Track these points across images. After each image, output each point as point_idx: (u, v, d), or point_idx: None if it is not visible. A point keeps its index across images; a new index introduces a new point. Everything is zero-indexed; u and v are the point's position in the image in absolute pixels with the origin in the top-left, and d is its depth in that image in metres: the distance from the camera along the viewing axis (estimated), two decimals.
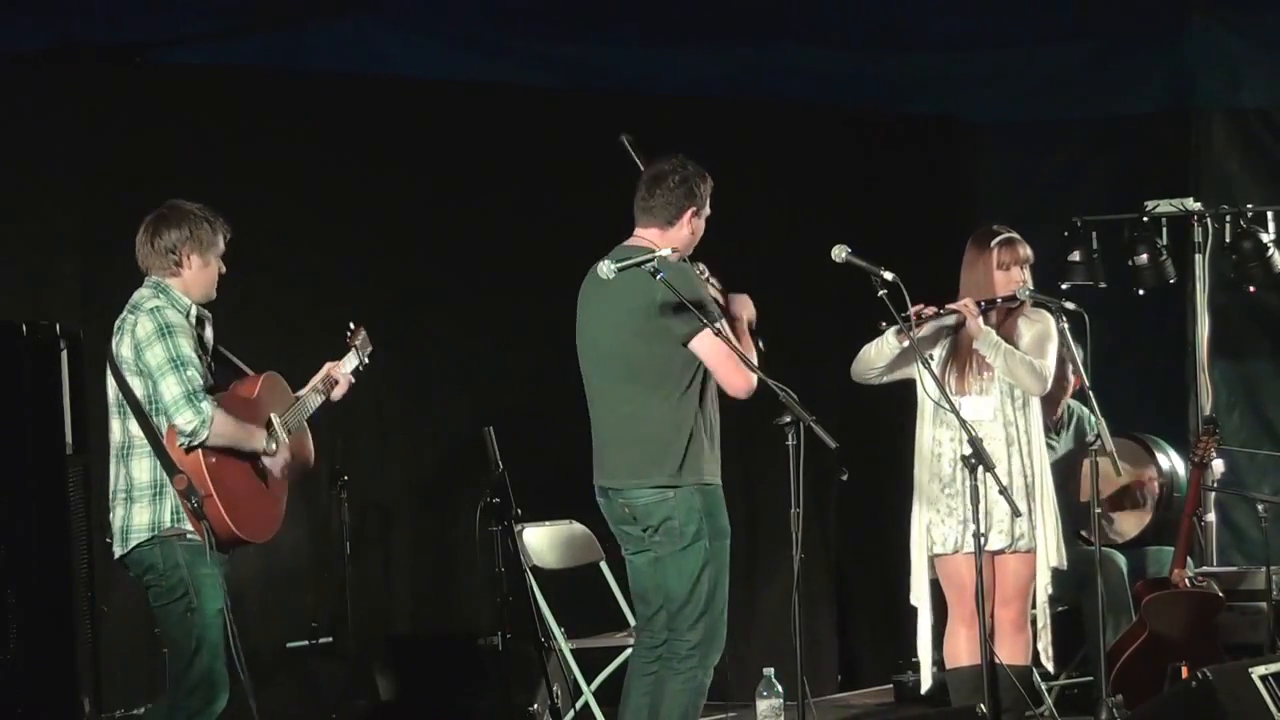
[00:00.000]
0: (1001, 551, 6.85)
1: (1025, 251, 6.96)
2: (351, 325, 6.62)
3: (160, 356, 5.91)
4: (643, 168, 6.29)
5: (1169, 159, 10.01)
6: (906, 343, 6.65)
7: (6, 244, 7.78)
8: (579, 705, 7.61)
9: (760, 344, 6.32)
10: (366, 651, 8.11)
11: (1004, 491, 6.38)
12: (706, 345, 5.99)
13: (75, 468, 6.61)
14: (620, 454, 6.12)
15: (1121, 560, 8.36)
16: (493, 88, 9.00)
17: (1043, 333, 6.92)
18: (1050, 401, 7.92)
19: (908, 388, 6.93)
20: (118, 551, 6.05)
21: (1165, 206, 9.54)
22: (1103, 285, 9.50)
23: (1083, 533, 7.99)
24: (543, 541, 7.82)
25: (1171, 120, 10.05)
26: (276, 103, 8.42)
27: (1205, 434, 8.16)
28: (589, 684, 7.58)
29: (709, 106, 9.35)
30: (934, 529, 6.89)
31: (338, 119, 8.52)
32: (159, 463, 5.94)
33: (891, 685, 9.26)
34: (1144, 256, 9.46)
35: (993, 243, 6.94)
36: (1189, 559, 8.21)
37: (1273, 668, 6.25)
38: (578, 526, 7.86)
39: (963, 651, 6.89)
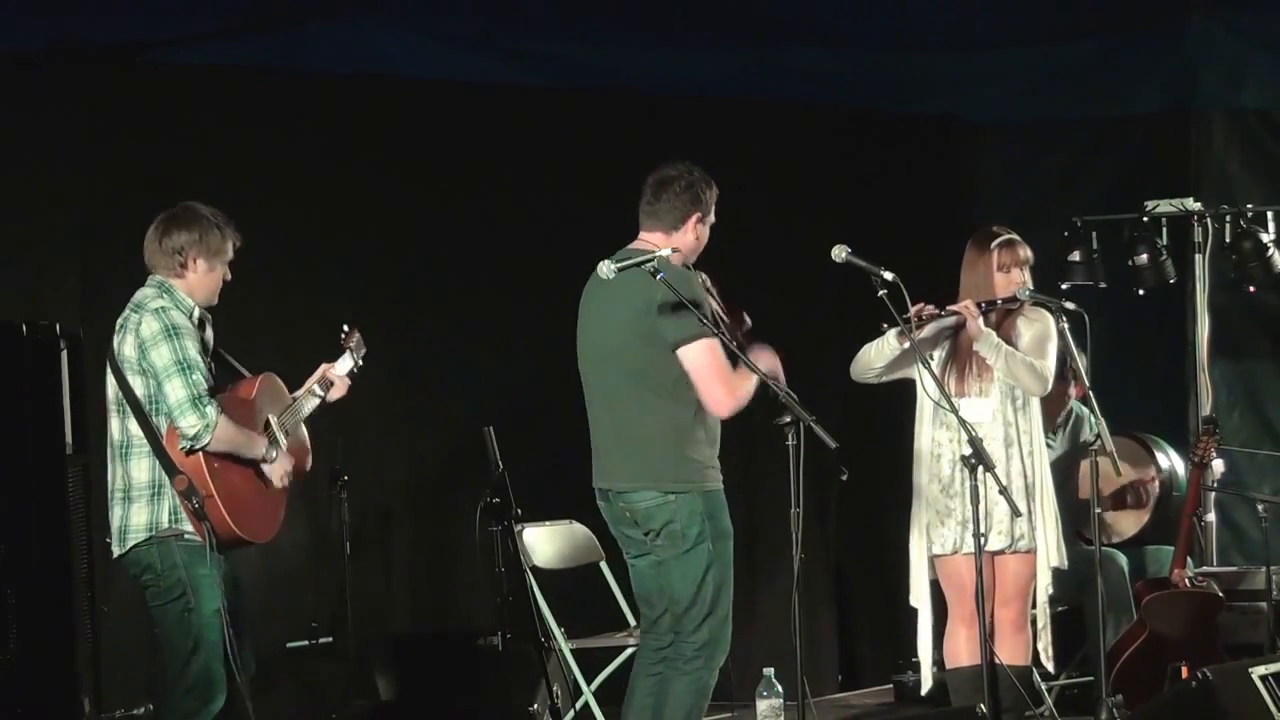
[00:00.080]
0: (1001, 552, 6.85)
1: (1025, 253, 6.96)
2: (345, 327, 6.61)
3: (166, 358, 5.90)
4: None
5: (1169, 159, 10.01)
6: (907, 344, 6.66)
7: (6, 244, 7.78)
8: (579, 705, 7.61)
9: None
10: (366, 651, 8.11)
11: (1004, 491, 6.38)
12: (693, 355, 5.96)
13: (75, 468, 6.61)
14: (620, 457, 6.12)
15: (1122, 560, 8.36)
16: (493, 88, 9.00)
17: (1042, 332, 6.92)
18: (1054, 405, 7.95)
19: (908, 388, 6.93)
20: (116, 551, 6.06)
21: (1165, 206, 9.54)
22: (1103, 285, 9.51)
23: (1083, 532, 7.99)
24: (543, 541, 7.82)
25: (1171, 120, 10.05)
26: (276, 103, 8.42)
27: (1205, 434, 8.16)
28: (589, 684, 7.58)
29: (709, 106, 9.35)
30: (933, 530, 6.89)
31: (338, 119, 8.52)
32: (158, 463, 5.95)
33: (891, 685, 9.27)
34: (1144, 256, 9.46)
35: (993, 244, 6.94)
36: (1189, 559, 8.21)
37: (1273, 668, 6.25)
38: (578, 526, 7.86)
39: (963, 651, 6.89)
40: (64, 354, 6.59)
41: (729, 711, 8.34)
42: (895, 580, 7.42)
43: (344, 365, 6.46)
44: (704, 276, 6.26)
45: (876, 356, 6.89)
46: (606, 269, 5.88)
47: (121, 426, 6.01)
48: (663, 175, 6.21)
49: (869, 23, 9.53)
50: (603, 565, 7.82)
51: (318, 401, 6.35)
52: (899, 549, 7.13)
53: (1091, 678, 7.88)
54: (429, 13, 8.87)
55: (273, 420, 6.18)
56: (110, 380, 6.03)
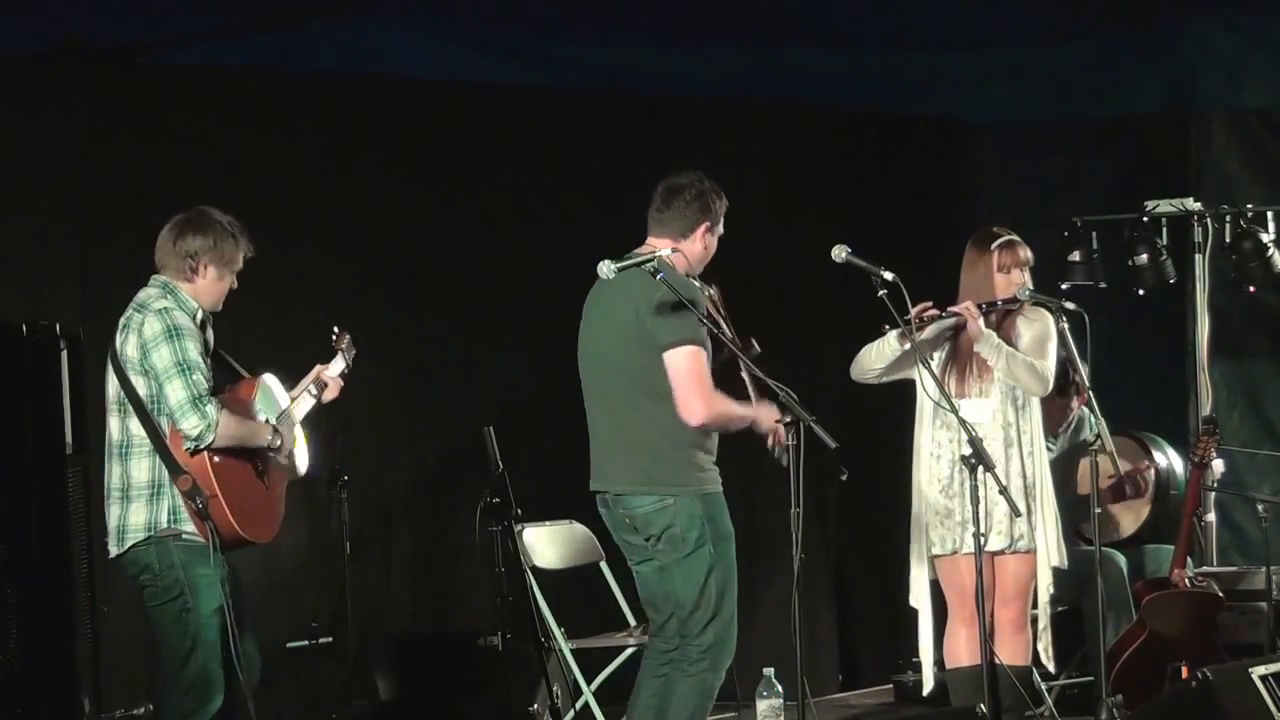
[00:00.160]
0: (1001, 552, 6.85)
1: (1025, 254, 6.96)
2: (336, 329, 6.63)
3: (167, 359, 5.91)
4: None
5: (1169, 159, 10.01)
6: (908, 345, 6.66)
7: (6, 244, 7.78)
8: (579, 705, 7.61)
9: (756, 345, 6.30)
10: (366, 651, 8.10)
11: (1004, 491, 6.37)
12: (676, 359, 5.95)
13: (75, 468, 6.61)
14: (618, 460, 6.11)
15: (1121, 560, 8.36)
16: (493, 88, 9.00)
17: (1042, 332, 6.92)
18: (1057, 417, 7.95)
19: (907, 388, 6.93)
20: (113, 551, 6.06)
21: (1165, 206, 9.54)
22: (1103, 285, 9.51)
23: (1082, 531, 7.99)
24: (543, 541, 7.82)
25: (1171, 120, 10.05)
26: (276, 103, 8.42)
27: (1205, 434, 8.15)
28: (589, 684, 7.58)
29: (709, 106, 9.35)
30: (933, 530, 6.90)
31: (338, 119, 8.52)
32: (159, 462, 5.95)
33: (891, 685, 9.27)
34: (1144, 256, 9.47)
35: (993, 245, 6.94)
36: (1189, 559, 8.21)
37: (1273, 668, 6.25)
38: (578, 526, 7.86)
39: (963, 652, 6.89)
40: (64, 354, 6.59)
41: (729, 711, 8.34)
42: (895, 580, 7.42)
43: (336, 367, 6.50)
44: (712, 291, 6.25)
45: (877, 357, 6.89)
46: (606, 269, 5.88)
47: (122, 425, 6.01)
48: (673, 183, 6.19)
49: (869, 23, 9.53)
50: (603, 565, 7.82)
51: (313, 402, 6.36)
52: (899, 549, 7.13)
53: (1091, 678, 7.88)
54: (429, 13, 8.87)
55: (272, 420, 6.19)
56: (111, 379, 6.03)
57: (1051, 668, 7.29)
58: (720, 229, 6.24)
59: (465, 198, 8.77)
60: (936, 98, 10.04)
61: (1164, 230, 9.56)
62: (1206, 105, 10.03)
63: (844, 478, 6.06)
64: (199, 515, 5.89)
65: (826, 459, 5.74)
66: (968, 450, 6.34)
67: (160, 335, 5.93)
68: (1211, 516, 9.45)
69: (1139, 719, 7.19)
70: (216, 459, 5.93)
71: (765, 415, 6.09)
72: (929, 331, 6.88)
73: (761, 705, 6.28)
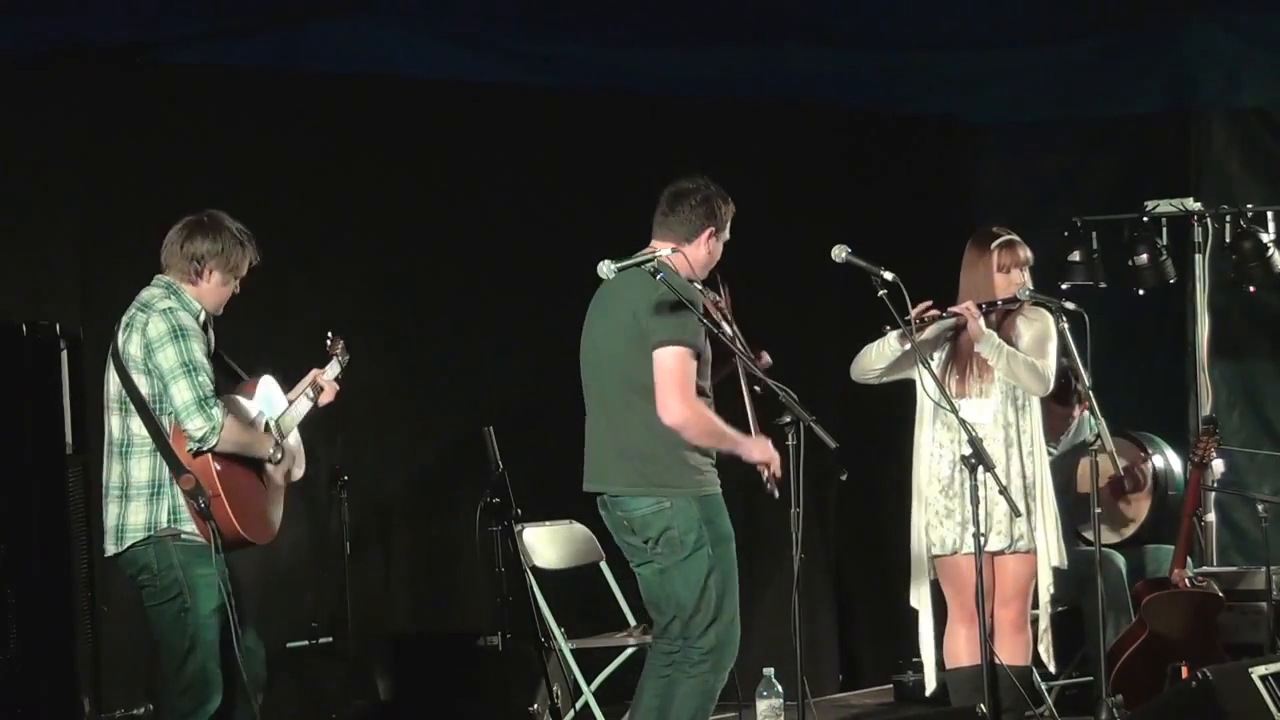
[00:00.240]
0: (1001, 552, 6.85)
1: (1025, 253, 6.96)
2: (330, 334, 6.65)
3: (173, 360, 5.91)
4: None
5: (1169, 159, 10.02)
6: (908, 345, 6.66)
7: (6, 244, 7.78)
8: (579, 705, 7.61)
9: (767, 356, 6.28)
10: (366, 651, 8.11)
11: (1004, 491, 6.38)
12: (663, 358, 5.94)
13: (75, 467, 6.60)
14: (614, 461, 6.11)
15: (1121, 560, 8.36)
16: (493, 88, 9.00)
17: (1042, 331, 6.92)
18: (1058, 425, 7.95)
19: (907, 388, 6.93)
20: (110, 550, 6.06)
21: (1165, 206, 9.54)
22: (1103, 285, 9.51)
23: (1082, 531, 7.99)
24: (543, 541, 7.82)
25: (1171, 120, 10.06)
26: (276, 103, 8.42)
27: (1205, 434, 8.15)
28: (589, 684, 7.58)
29: (709, 106, 9.35)
30: (933, 530, 6.90)
31: (338, 119, 8.51)
32: (160, 461, 5.95)
33: (891, 685, 9.27)
34: (1144, 256, 9.47)
35: (993, 245, 6.95)
36: (1189, 559, 8.21)
37: (1273, 668, 6.25)
38: (578, 526, 7.86)
39: (962, 651, 6.90)
40: (64, 354, 6.59)
41: (729, 711, 8.34)
42: (895, 580, 7.43)
43: (332, 371, 6.52)
44: (718, 297, 6.24)
45: (877, 357, 6.89)
46: (607, 269, 5.88)
47: (123, 424, 6.01)
48: (679, 188, 6.19)
49: (869, 23, 9.53)
50: (603, 565, 7.82)
51: (310, 406, 6.37)
52: (899, 549, 7.13)
53: (1091, 678, 7.88)
54: (429, 13, 8.87)
55: (271, 424, 6.19)
56: (113, 378, 6.03)
57: (1052, 668, 7.29)
58: (726, 234, 6.23)
59: (465, 198, 8.76)
60: (936, 98, 10.04)
61: (1164, 230, 9.56)
62: (1206, 105, 10.03)
63: (844, 478, 6.06)
64: (201, 515, 5.89)
65: (826, 459, 5.74)
66: (968, 450, 6.34)
67: (166, 335, 5.93)
68: (1211, 516, 9.45)
69: (1139, 719, 7.20)
70: (219, 460, 5.93)
71: (758, 450, 6.08)
72: (929, 332, 6.88)
73: (761, 705, 6.28)
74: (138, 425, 5.98)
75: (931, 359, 6.87)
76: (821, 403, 6.18)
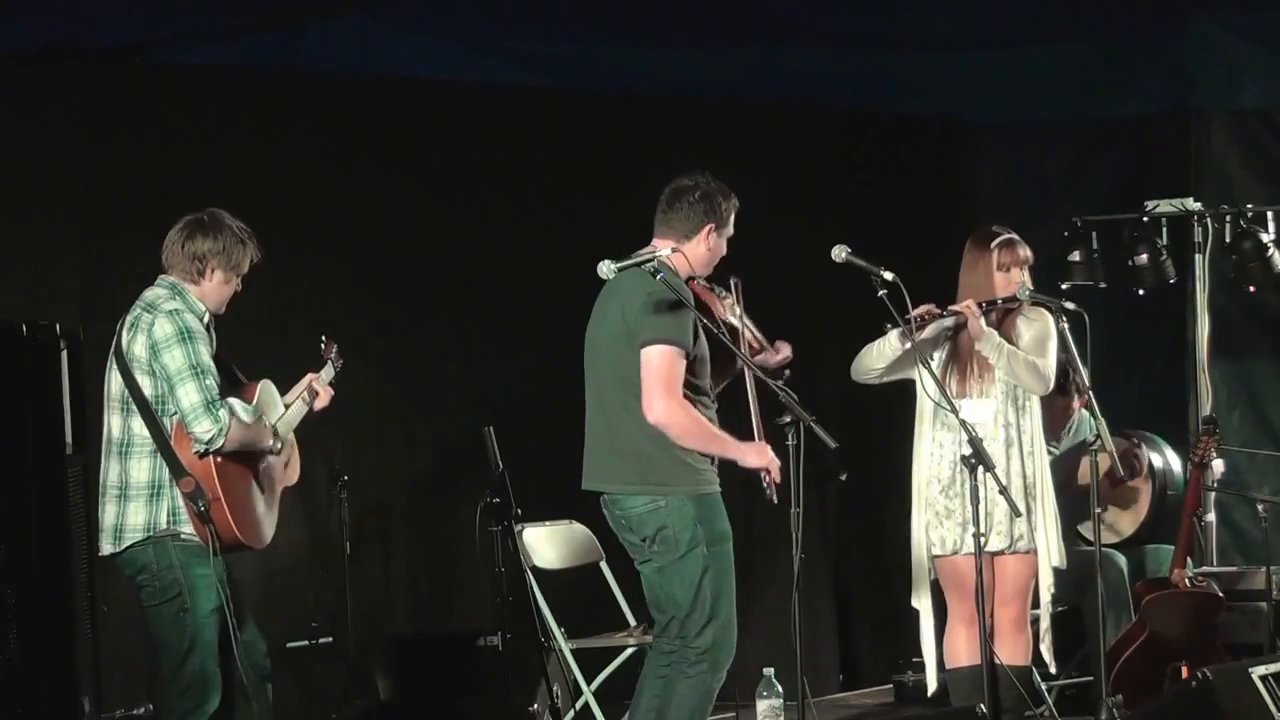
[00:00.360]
0: (1001, 552, 6.85)
1: (1025, 253, 6.97)
2: (324, 339, 6.65)
3: (179, 361, 5.90)
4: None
5: (1169, 159, 10.02)
6: (908, 344, 6.66)
7: (6, 244, 7.78)
8: (579, 705, 7.61)
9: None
10: (366, 651, 8.10)
11: (1004, 491, 6.38)
12: (650, 356, 5.92)
13: (75, 467, 6.60)
14: (611, 460, 6.10)
15: (1121, 560, 8.36)
16: (493, 88, 9.00)
17: (1042, 331, 6.92)
18: (1059, 419, 7.95)
19: (907, 388, 6.94)
20: (108, 549, 6.06)
21: (1165, 206, 9.54)
22: (1103, 285, 9.51)
23: (1081, 531, 7.99)
24: (543, 541, 7.82)
25: (1171, 120, 10.05)
26: (276, 103, 8.42)
27: (1205, 434, 8.15)
28: (589, 684, 7.58)
29: (709, 106, 9.35)
30: (933, 530, 6.90)
31: (338, 119, 8.51)
32: (160, 462, 5.95)
33: (891, 685, 9.27)
34: (1144, 256, 9.47)
35: (992, 244, 6.95)
36: (1189, 559, 8.21)
37: (1273, 668, 6.25)
38: (578, 526, 7.86)
39: (962, 651, 6.90)
40: (64, 354, 6.58)
41: (729, 711, 8.34)
42: (895, 580, 7.43)
43: (326, 375, 6.52)
44: (726, 293, 6.22)
45: (878, 357, 6.90)
46: (606, 269, 5.88)
47: (123, 424, 6.01)
48: (678, 185, 6.18)
49: (869, 23, 9.53)
50: (603, 565, 7.82)
51: (306, 410, 6.37)
52: (899, 549, 7.13)
53: (1091, 678, 7.88)
54: (429, 13, 8.87)
55: (269, 424, 6.20)
56: (114, 377, 6.03)
57: (1053, 668, 7.29)
58: (729, 230, 6.21)
59: (465, 198, 8.77)
60: (936, 98, 10.04)
61: (1164, 230, 9.57)
62: (1206, 105, 10.03)
63: (844, 478, 6.06)
64: (200, 518, 5.89)
65: (826, 459, 5.74)
66: (968, 450, 6.34)
67: (172, 337, 5.92)
68: (1211, 516, 9.45)
69: (1139, 719, 7.20)
70: (220, 462, 5.93)
71: (754, 456, 6.05)
72: (929, 331, 6.88)
73: (761, 705, 6.28)
74: (139, 425, 5.98)
75: (931, 359, 6.87)
76: (821, 403, 6.17)
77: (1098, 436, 7.36)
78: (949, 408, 6.62)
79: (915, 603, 7.01)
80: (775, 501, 5.99)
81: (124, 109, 8.07)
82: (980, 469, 6.32)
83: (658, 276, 5.87)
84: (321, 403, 6.42)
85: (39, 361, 6.50)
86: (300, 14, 8.58)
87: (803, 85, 9.67)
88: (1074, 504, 7.78)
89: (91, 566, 6.63)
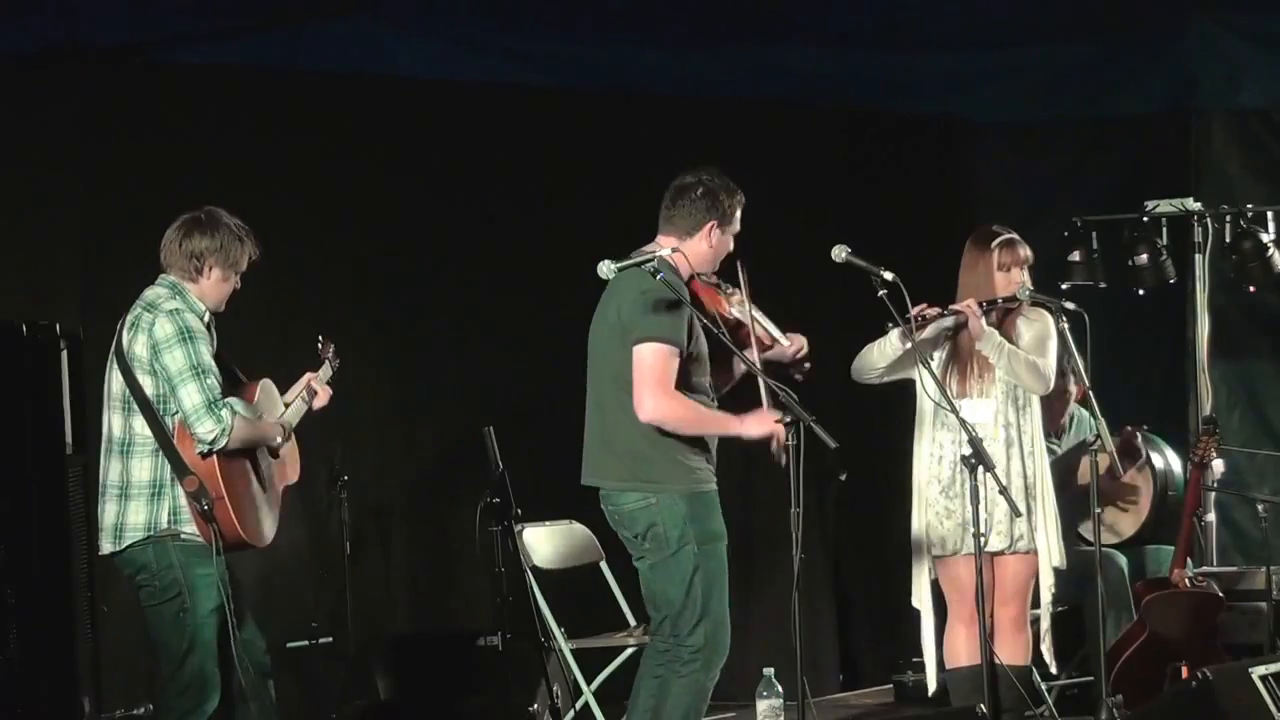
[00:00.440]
0: (1001, 553, 6.85)
1: (1025, 252, 6.97)
2: (321, 338, 6.65)
3: (181, 362, 5.90)
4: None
5: (1169, 159, 10.01)
6: (909, 344, 6.65)
7: (6, 244, 7.78)
8: (579, 705, 7.61)
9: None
10: (366, 651, 8.11)
11: (1004, 491, 6.38)
12: (642, 354, 5.91)
13: (75, 467, 6.61)
14: (605, 457, 6.10)
15: (1122, 560, 8.36)
16: (493, 88, 9.00)
17: (1042, 332, 6.93)
18: (1055, 410, 7.95)
19: (908, 388, 6.94)
20: (108, 548, 6.05)
21: (1165, 206, 9.54)
22: (1103, 285, 9.51)
23: (1081, 531, 7.99)
24: (543, 541, 7.82)
25: (1171, 120, 10.06)
26: (276, 103, 8.42)
27: (1205, 434, 8.15)
28: (589, 684, 7.58)
29: (709, 106, 9.35)
30: (933, 530, 6.90)
31: (338, 119, 8.51)
32: (162, 462, 5.94)
33: (891, 685, 9.27)
34: (1144, 256, 9.47)
35: (993, 244, 6.95)
36: (1189, 559, 8.21)
37: (1273, 668, 6.25)
38: (578, 526, 7.86)
39: (962, 651, 6.90)
40: (64, 354, 6.59)
41: (729, 711, 8.34)
42: (895, 580, 7.42)
43: (324, 374, 6.53)
44: (733, 289, 6.21)
45: (879, 357, 6.90)
46: (606, 269, 5.88)
47: (124, 424, 6.00)
48: (682, 181, 6.17)
49: (869, 23, 9.53)
50: (603, 565, 7.82)
51: (305, 409, 6.37)
52: (899, 549, 7.13)
53: (1091, 678, 7.88)
54: (429, 13, 8.87)
55: (273, 421, 6.20)
56: (115, 377, 6.02)
57: (1053, 668, 7.29)
58: (734, 227, 6.20)
59: (465, 197, 8.77)
60: (936, 98, 10.04)
61: (1164, 230, 9.56)
62: (1206, 105, 10.03)
63: (843, 478, 6.05)
64: (204, 517, 5.88)
65: (826, 459, 5.74)
66: (968, 450, 6.34)
67: (174, 337, 5.92)
68: (1211, 516, 9.45)
69: (1139, 719, 7.20)
70: (223, 462, 5.93)
71: (754, 426, 6.01)
72: (929, 331, 6.88)
73: (761, 705, 6.27)
74: (140, 425, 5.97)
75: (931, 359, 6.87)
76: (821, 403, 6.16)
77: (1098, 436, 7.35)
78: (949, 408, 6.62)
79: (915, 603, 7.01)
80: (785, 464, 5.91)
81: (124, 109, 8.07)
82: (980, 469, 6.31)
83: (657, 276, 5.87)
84: (320, 401, 6.42)
85: (39, 361, 6.50)
86: (300, 14, 8.58)
87: (803, 85, 9.67)
88: (1074, 503, 7.78)
89: (91, 566, 6.64)
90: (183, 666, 5.98)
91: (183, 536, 5.96)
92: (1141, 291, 9.56)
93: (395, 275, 8.63)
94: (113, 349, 6.06)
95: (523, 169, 8.86)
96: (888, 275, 6.17)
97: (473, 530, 7.16)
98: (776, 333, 6.25)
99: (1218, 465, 8.47)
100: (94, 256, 7.88)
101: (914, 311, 6.44)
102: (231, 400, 5.97)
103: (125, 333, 6.01)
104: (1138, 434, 8.49)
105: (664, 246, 6.09)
